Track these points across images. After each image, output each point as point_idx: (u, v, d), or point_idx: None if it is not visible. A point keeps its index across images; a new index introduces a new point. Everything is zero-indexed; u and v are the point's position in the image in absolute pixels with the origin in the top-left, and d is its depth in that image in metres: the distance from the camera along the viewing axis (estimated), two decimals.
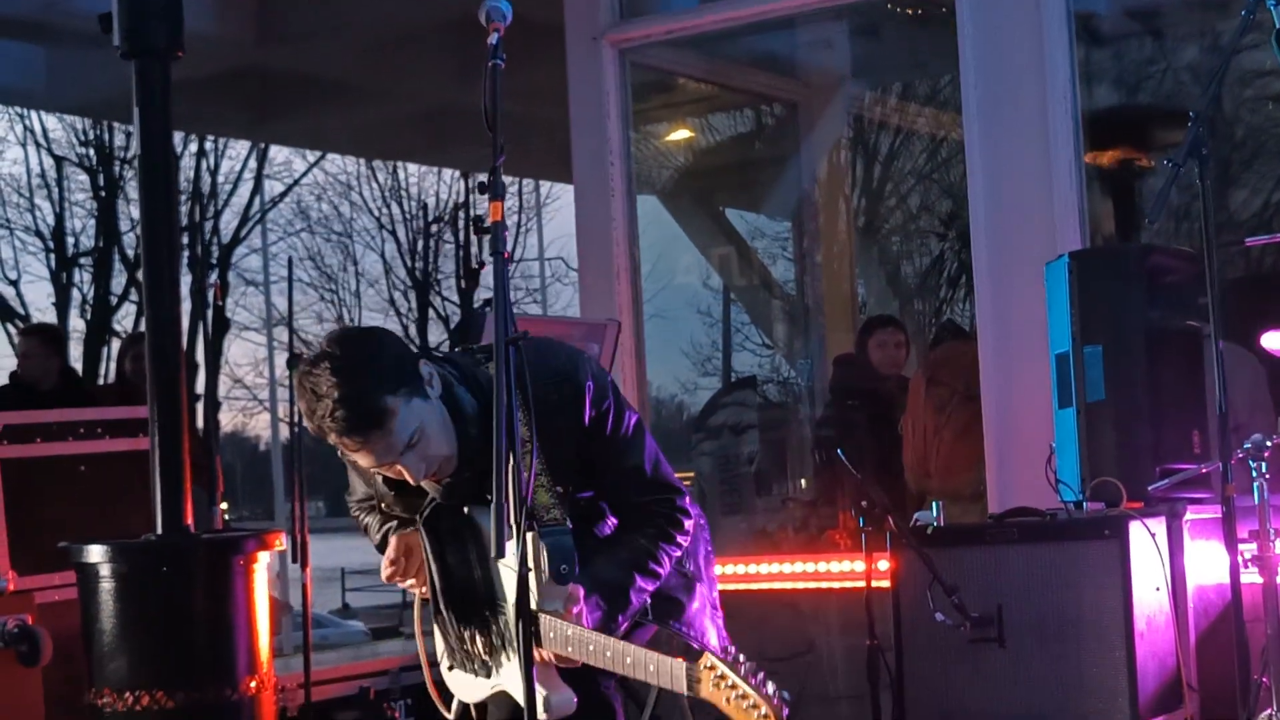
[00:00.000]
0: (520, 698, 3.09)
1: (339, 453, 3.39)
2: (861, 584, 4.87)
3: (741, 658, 2.94)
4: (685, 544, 3.56)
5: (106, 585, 4.11)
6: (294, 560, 5.49)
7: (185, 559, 4.14)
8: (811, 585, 5.99)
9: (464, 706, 3.64)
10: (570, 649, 3.21)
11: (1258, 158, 10.67)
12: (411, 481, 3.31)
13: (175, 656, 4.10)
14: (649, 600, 3.48)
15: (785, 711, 2.89)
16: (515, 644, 2.98)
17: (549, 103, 7.78)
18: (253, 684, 4.16)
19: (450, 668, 3.64)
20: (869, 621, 4.80)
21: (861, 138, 12.52)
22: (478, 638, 3.49)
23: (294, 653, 6.11)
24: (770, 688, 2.89)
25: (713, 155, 10.84)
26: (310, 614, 5.60)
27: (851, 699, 5.45)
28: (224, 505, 6.24)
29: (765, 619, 5.99)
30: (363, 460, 3.28)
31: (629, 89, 7.21)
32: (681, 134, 10.08)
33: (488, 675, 3.51)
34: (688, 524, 3.54)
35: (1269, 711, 4.39)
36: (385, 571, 3.62)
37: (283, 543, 4.57)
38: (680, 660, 3.00)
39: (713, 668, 2.92)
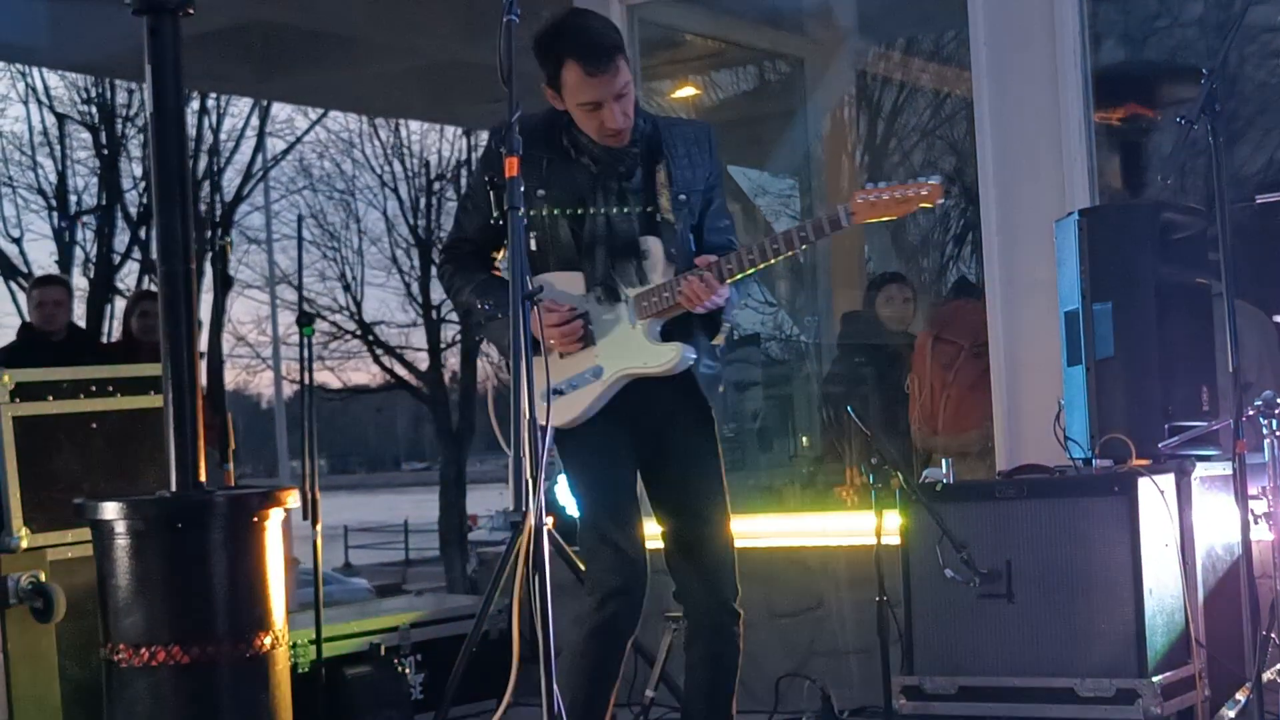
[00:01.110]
0: (634, 364, 4.15)
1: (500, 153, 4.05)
2: (870, 540, 4.89)
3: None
4: None
5: (122, 542, 4.11)
6: (305, 518, 5.51)
7: (200, 516, 4.15)
8: (820, 542, 6.01)
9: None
10: (705, 286, 4.09)
11: (1262, 113, 10.63)
12: (617, 122, 4.10)
13: (190, 612, 4.10)
14: None
15: (942, 187, 3.96)
16: (637, 286, 4.17)
17: None
18: (267, 640, 4.17)
19: (559, 391, 4.16)
20: (879, 578, 4.82)
21: (865, 94, 12.48)
22: (616, 277, 4.21)
23: (301, 610, 6.13)
24: (919, 179, 3.95)
25: (717, 112, 10.80)
26: (321, 571, 5.62)
27: (860, 653, 5.48)
28: (229, 467, 6.23)
29: (774, 575, 6.02)
30: (592, 89, 4.05)
31: (637, 46, 7.18)
32: (686, 91, 10.05)
33: (598, 375, 4.19)
34: None
35: (1277, 667, 4.43)
36: (565, 335, 4.20)
37: (295, 500, 4.58)
38: (836, 205, 4.03)
39: (861, 189, 4.01)
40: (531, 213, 4.12)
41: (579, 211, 4.21)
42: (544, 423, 3.24)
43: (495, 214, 4.10)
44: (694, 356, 4.20)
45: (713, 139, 4.41)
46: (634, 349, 4.20)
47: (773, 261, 4.15)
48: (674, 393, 4.25)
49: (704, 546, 4.27)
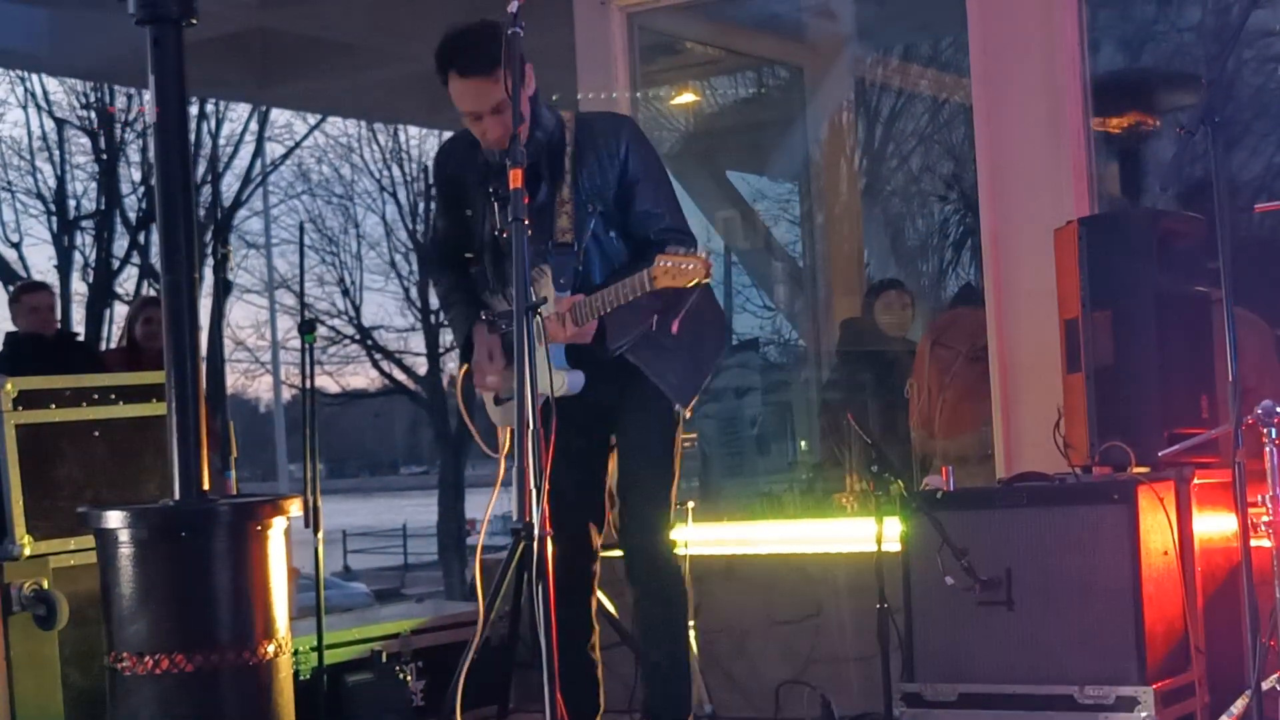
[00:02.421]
0: (543, 387, 4.05)
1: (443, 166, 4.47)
2: (871, 547, 4.89)
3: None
4: None
5: (125, 550, 4.13)
6: (306, 525, 5.51)
7: (203, 524, 4.16)
8: (820, 549, 6.02)
9: None
10: (568, 329, 4.26)
11: (1259, 119, 10.65)
12: (490, 136, 4.17)
13: (194, 621, 4.12)
14: None
15: (710, 261, 3.99)
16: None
17: (556, 66, 7.76)
18: (270, 648, 4.18)
19: (497, 401, 4.45)
20: (879, 585, 4.83)
21: (864, 99, 12.51)
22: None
23: (302, 616, 6.13)
24: (703, 253, 4.01)
25: (716, 119, 10.83)
26: (322, 577, 5.62)
27: (861, 661, 5.48)
28: (231, 475, 6.23)
29: (774, 582, 6.03)
30: (465, 99, 4.12)
31: (637, 53, 7.20)
32: (686, 98, 10.07)
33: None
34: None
35: (1277, 674, 4.44)
36: (486, 380, 4.44)
37: (298, 508, 4.59)
38: (643, 270, 4.02)
39: (662, 260, 3.98)
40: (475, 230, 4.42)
41: (495, 234, 4.34)
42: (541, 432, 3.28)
43: (499, 226, 4.13)
44: (582, 382, 4.35)
45: (626, 132, 4.45)
46: (541, 372, 4.34)
47: (620, 304, 4.23)
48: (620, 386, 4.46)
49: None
